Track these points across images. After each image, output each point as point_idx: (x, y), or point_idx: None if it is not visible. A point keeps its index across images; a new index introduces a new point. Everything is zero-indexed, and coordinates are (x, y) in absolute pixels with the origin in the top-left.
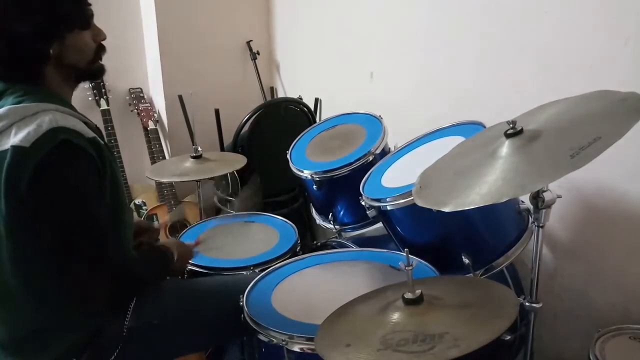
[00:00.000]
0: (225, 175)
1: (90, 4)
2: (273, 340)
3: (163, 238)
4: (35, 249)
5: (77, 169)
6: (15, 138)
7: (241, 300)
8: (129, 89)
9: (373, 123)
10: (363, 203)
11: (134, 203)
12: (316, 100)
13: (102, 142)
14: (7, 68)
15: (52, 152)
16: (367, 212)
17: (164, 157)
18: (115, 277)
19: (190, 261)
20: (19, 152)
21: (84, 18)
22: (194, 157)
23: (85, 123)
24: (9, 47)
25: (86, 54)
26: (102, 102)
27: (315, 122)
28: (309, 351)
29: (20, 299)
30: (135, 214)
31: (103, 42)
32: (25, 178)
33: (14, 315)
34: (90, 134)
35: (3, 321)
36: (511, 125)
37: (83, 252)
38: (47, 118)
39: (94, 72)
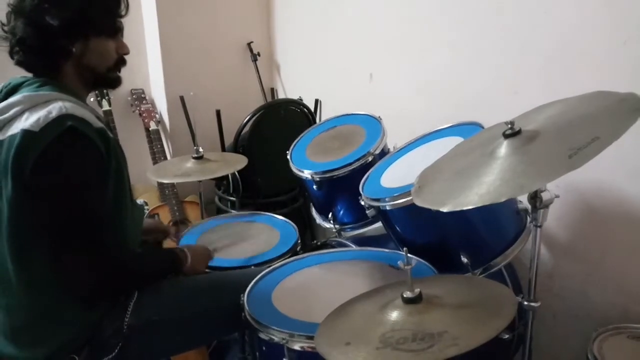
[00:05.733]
0: (227, 175)
1: (121, 16)
2: (274, 339)
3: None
4: (33, 231)
5: (80, 156)
6: (26, 122)
7: (242, 299)
8: (131, 90)
9: (372, 124)
10: (362, 203)
11: None
12: (316, 101)
13: (110, 135)
14: (31, 56)
15: (58, 138)
16: (367, 212)
17: (165, 158)
18: (107, 267)
19: (204, 270)
20: (28, 135)
21: (111, 27)
22: (195, 158)
23: (97, 117)
24: (37, 37)
25: (107, 60)
26: (104, 103)
27: (315, 122)
28: (310, 349)
29: (17, 285)
30: None
31: (125, 57)
32: (31, 161)
33: (12, 303)
34: (99, 124)
35: (3, 308)
36: (509, 125)
37: (77, 237)
38: (58, 105)
39: (111, 80)
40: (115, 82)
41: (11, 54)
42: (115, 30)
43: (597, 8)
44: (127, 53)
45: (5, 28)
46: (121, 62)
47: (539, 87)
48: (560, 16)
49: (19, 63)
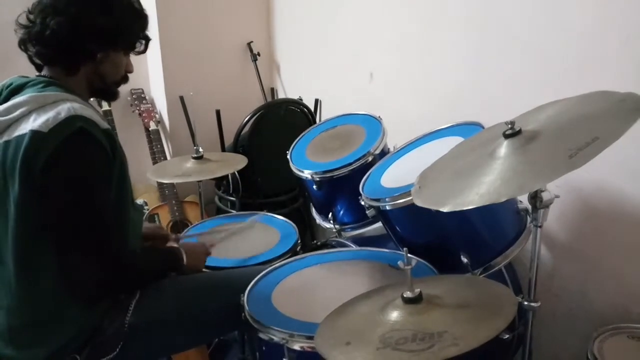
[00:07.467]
0: (226, 175)
1: (149, 39)
2: (273, 339)
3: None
4: (39, 231)
5: (90, 158)
6: (35, 123)
7: (242, 299)
8: (130, 90)
9: (372, 123)
10: (362, 203)
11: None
12: (316, 101)
13: (115, 136)
14: (56, 51)
15: (69, 139)
16: (367, 212)
17: (165, 158)
18: (110, 267)
19: (202, 268)
20: (36, 136)
21: (134, 45)
22: (195, 158)
23: (101, 118)
24: (71, 34)
25: (117, 74)
26: (104, 103)
27: (315, 122)
28: (309, 349)
29: (17, 285)
30: None
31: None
32: (41, 161)
33: (12, 304)
34: (105, 125)
35: (3, 309)
36: (510, 125)
37: (85, 236)
38: (66, 106)
39: (112, 93)
40: (114, 96)
41: (26, 42)
42: (135, 50)
43: (597, 7)
44: (131, 71)
45: (31, 16)
46: (125, 79)
47: (538, 87)
48: (560, 15)
49: (38, 54)
